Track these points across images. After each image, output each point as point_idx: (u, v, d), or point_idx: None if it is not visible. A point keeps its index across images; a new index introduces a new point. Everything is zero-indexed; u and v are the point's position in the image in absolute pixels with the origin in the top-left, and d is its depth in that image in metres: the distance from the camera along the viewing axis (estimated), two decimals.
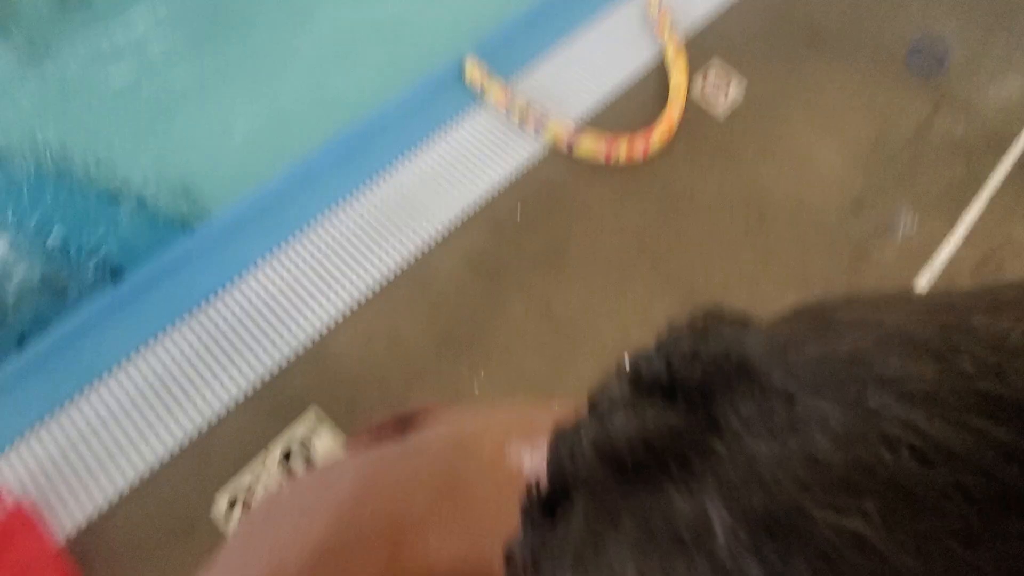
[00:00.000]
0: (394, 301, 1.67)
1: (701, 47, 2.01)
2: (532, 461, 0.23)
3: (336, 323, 1.67)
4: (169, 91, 1.92)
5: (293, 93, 1.96)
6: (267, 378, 1.62)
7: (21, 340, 1.63)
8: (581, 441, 0.19)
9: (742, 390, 0.18)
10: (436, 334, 1.60)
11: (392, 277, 1.71)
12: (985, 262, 1.58)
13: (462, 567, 0.27)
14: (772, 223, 1.71)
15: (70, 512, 1.43)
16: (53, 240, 1.75)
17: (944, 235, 1.63)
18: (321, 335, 1.66)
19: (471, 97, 1.92)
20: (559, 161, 1.84)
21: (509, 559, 0.20)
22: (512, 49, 1.98)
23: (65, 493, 1.45)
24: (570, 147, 1.84)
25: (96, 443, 1.53)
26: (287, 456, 1.53)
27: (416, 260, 1.72)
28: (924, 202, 1.69)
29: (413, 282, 1.69)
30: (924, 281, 1.61)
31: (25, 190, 1.78)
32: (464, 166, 1.85)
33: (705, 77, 1.98)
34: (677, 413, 0.18)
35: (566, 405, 0.20)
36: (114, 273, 1.73)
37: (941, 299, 0.18)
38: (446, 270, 1.70)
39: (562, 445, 0.20)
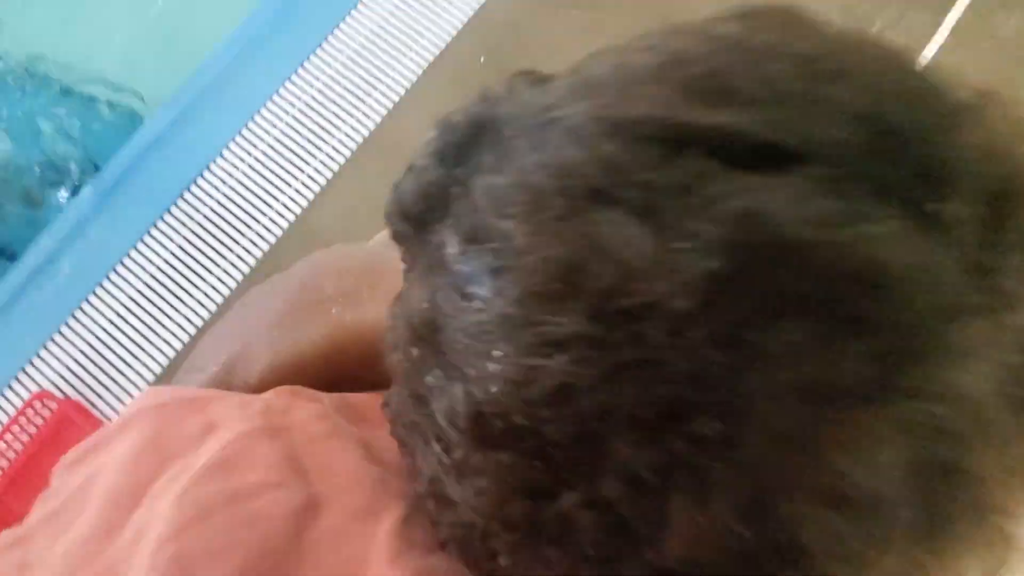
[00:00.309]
0: (366, 170, 1.66)
1: None
2: None
3: (315, 196, 1.69)
4: None
5: None
6: (260, 256, 1.68)
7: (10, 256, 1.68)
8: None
9: (487, 144, 0.23)
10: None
11: (361, 141, 1.69)
12: (966, 61, 1.52)
13: (379, 328, 0.36)
14: None
15: (108, 402, 1.60)
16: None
17: (928, 36, 1.55)
18: (303, 209, 1.69)
19: None
20: None
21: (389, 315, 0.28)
22: None
23: (100, 388, 1.60)
24: None
25: (119, 337, 1.64)
26: None
27: (381, 124, 1.67)
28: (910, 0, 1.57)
29: (383, 148, 1.66)
30: None
31: None
32: (415, 11, 1.71)
33: None
34: (441, 169, 0.24)
35: None
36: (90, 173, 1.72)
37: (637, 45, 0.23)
38: (415, 130, 1.65)
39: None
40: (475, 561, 0.23)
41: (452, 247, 0.22)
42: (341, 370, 0.37)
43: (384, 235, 0.46)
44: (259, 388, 0.36)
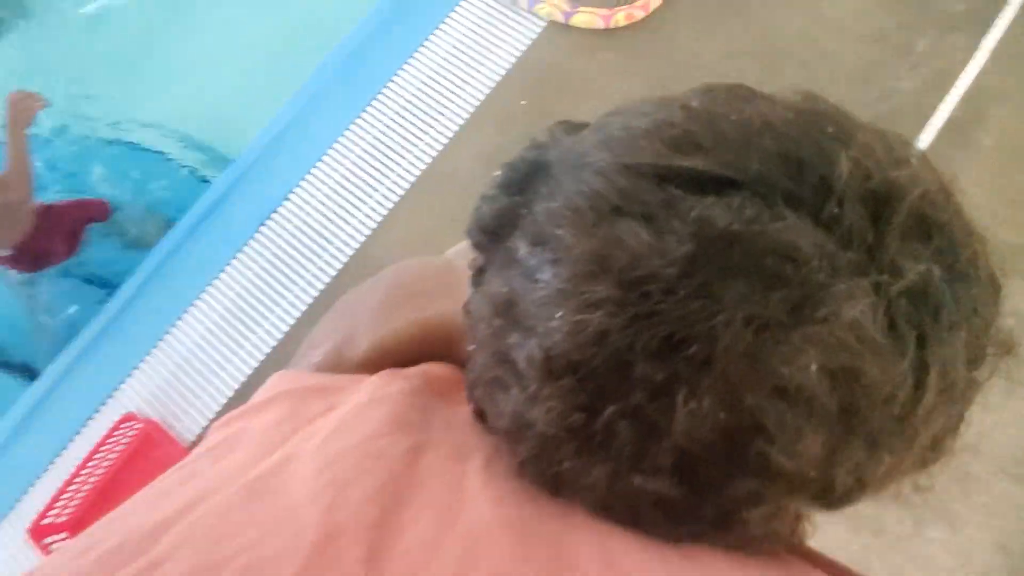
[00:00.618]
0: (418, 204, 1.77)
1: None
2: None
3: (373, 230, 1.81)
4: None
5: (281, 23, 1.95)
6: (322, 288, 1.81)
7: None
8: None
9: (542, 180, 0.32)
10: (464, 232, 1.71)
11: (414, 179, 1.81)
12: (1006, 80, 1.50)
13: (452, 318, 0.45)
14: (785, 74, 1.65)
15: (185, 423, 1.74)
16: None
17: (967, 58, 1.54)
18: (361, 243, 1.82)
19: None
20: (557, 37, 1.80)
21: (466, 307, 0.37)
22: None
23: (178, 411, 1.75)
24: (567, 15, 1.78)
25: (196, 365, 1.80)
26: None
27: (432, 164, 1.79)
28: (948, 23, 1.57)
29: (433, 184, 1.78)
30: (948, 108, 1.56)
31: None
32: (463, 61, 1.84)
33: None
34: (507, 197, 0.33)
35: None
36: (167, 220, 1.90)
37: (659, 104, 0.32)
38: (463, 169, 1.77)
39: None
40: (546, 469, 0.32)
41: (523, 249, 0.31)
42: (424, 349, 0.48)
43: (455, 249, 0.57)
44: (363, 362, 0.48)
